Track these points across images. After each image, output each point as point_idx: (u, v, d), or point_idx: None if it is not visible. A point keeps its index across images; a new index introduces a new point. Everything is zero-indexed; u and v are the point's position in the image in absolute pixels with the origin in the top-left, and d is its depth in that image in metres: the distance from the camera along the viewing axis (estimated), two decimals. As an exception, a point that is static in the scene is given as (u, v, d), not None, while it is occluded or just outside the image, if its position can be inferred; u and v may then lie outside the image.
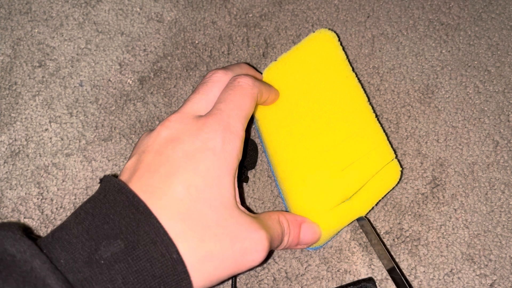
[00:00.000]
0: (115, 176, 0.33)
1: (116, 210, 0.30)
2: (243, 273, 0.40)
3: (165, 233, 0.29)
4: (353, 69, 0.42)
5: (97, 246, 0.29)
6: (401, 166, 0.40)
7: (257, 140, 0.44)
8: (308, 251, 0.41)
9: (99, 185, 0.35)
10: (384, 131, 0.41)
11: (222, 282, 0.33)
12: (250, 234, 0.33)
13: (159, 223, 0.30)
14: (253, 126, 0.45)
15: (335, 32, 0.44)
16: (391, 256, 0.41)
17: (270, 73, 0.43)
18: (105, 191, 0.31)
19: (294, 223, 0.37)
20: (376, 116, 0.41)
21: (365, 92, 0.42)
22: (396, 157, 0.40)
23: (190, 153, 0.32)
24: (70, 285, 0.27)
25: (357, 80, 0.42)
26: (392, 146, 0.41)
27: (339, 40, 0.43)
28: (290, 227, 0.36)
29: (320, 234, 0.38)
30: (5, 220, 0.41)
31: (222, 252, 0.31)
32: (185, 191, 0.31)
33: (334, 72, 0.42)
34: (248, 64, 0.43)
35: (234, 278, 0.39)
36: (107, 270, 0.28)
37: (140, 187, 0.31)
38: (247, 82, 0.36)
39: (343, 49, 0.43)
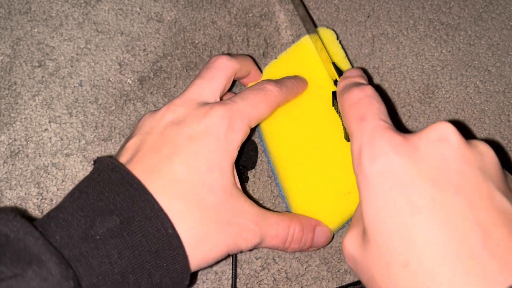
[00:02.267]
0: (110, 156, 0.33)
1: (110, 188, 0.30)
2: (242, 268, 0.40)
3: (160, 209, 0.30)
4: (352, 67, 0.42)
5: (92, 223, 0.29)
6: None
7: (257, 140, 0.44)
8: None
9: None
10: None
11: (217, 262, 0.34)
12: (242, 221, 0.33)
13: (154, 199, 0.30)
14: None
15: (334, 31, 0.44)
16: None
17: (270, 72, 0.43)
18: (99, 171, 0.32)
19: (308, 227, 0.37)
20: None
21: None
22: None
23: (193, 136, 0.33)
24: (65, 260, 0.27)
25: None
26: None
27: (338, 38, 0.43)
28: (304, 231, 0.37)
29: (331, 236, 0.38)
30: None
31: (218, 235, 0.32)
32: (185, 172, 0.32)
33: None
34: (252, 58, 0.44)
35: (234, 278, 0.39)
36: (102, 245, 0.28)
37: (141, 167, 0.32)
38: (272, 90, 0.37)
39: (343, 47, 0.43)
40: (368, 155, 0.28)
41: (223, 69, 0.37)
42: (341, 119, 0.38)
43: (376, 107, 0.31)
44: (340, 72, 0.40)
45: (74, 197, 0.31)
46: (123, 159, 0.33)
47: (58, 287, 0.26)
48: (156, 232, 0.30)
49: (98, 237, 0.29)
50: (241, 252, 0.36)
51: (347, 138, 0.38)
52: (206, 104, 0.35)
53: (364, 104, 0.32)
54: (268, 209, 0.38)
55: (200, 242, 0.31)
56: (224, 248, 0.33)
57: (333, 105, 0.40)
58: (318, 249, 0.40)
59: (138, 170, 0.31)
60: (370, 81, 0.46)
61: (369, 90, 0.33)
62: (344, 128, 0.37)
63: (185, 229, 0.31)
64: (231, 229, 0.33)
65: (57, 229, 0.29)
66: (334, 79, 0.40)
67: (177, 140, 0.33)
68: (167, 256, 0.30)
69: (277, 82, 0.39)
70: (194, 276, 0.40)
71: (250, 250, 0.36)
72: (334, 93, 0.39)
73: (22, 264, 0.26)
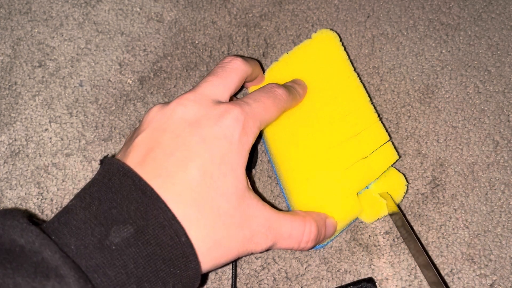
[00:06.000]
0: (113, 155, 0.32)
1: (123, 195, 0.30)
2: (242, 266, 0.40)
3: (173, 217, 0.30)
4: (354, 69, 0.42)
5: (107, 232, 0.29)
6: (404, 174, 0.41)
7: (256, 140, 0.44)
8: (309, 250, 0.41)
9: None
10: (386, 130, 0.41)
11: (227, 264, 0.34)
12: (253, 225, 0.33)
13: (167, 207, 0.30)
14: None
15: (336, 32, 0.44)
16: (427, 252, 0.40)
17: (272, 73, 0.43)
18: (109, 174, 0.31)
19: (321, 223, 0.37)
20: (378, 116, 0.41)
21: (367, 92, 0.42)
22: (400, 157, 0.41)
23: (207, 138, 0.32)
24: (83, 274, 0.27)
25: (359, 80, 0.42)
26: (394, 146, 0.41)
27: (340, 40, 0.43)
28: (319, 227, 0.37)
29: (336, 226, 0.39)
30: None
31: (229, 241, 0.32)
32: (200, 177, 0.31)
33: (336, 72, 0.42)
34: (259, 62, 0.44)
35: (234, 278, 0.39)
36: (118, 256, 0.28)
37: (155, 170, 0.31)
38: (282, 95, 0.37)
39: (345, 49, 0.43)
40: None
41: (237, 71, 0.36)
42: None
43: None
44: None
45: (85, 203, 0.30)
46: (132, 158, 0.32)
47: None
48: (170, 241, 0.29)
49: (114, 247, 0.28)
50: (252, 254, 0.36)
51: None
52: (219, 103, 0.34)
53: None
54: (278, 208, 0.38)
55: (211, 249, 0.31)
56: (234, 252, 0.33)
57: None
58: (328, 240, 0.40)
59: (151, 174, 0.31)
60: (370, 81, 0.46)
61: None
62: None
63: (198, 237, 0.31)
64: (242, 234, 0.33)
65: (72, 238, 0.28)
66: None
67: (191, 142, 0.32)
68: (180, 264, 0.30)
69: (285, 87, 0.39)
70: (205, 277, 0.40)
71: (262, 252, 0.35)
72: None
73: (40, 278, 0.25)
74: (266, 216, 0.34)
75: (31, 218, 0.29)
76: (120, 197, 0.30)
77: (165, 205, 0.30)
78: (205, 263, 0.31)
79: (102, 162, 0.32)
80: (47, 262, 0.26)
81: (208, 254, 0.31)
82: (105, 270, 0.28)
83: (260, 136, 0.43)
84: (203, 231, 0.31)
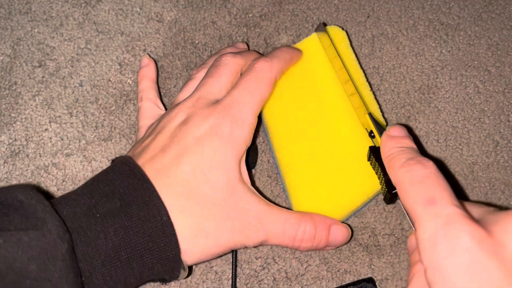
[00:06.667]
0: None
1: (117, 177, 0.33)
2: (243, 266, 0.40)
3: (157, 197, 0.32)
4: (363, 70, 0.42)
5: (96, 203, 0.32)
6: None
7: (257, 141, 0.44)
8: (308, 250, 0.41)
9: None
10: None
11: (217, 257, 0.36)
12: (244, 217, 0.34)
13: (154, 188, 0.32)
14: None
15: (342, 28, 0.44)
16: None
17: None
18: (113, 164, 0.35)
19: (322, 225, 0.37)
20: (382, 114, 0.42)
21: (371, 89, 0.42)
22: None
23: (199, 136, 0.35)
24: (64, 226, 0.30)
25: (364, 76, 0.42)
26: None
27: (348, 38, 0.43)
28: (317, 229, 0.37)
29: (350, 233, 0.38)
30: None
31: (219, 231, 0.34)
32: (191, 171, 0.34)
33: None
34: (258, 52, 0.44)
35: (234, 278, 0.39)
36: (101, 222, 0.31)
37: (153, 164, 0.34)
38: (262, 67, 0.38)
39: (351, 43, 0.43)
40: (447, 249, 0.26)
41: (229, 66, 0.38)
42: (378, 176, 0.36)
43: (445, 189, 0.28)
44: (376, 123, 0.38)
45: (87, 184, 0.34)
46: (135, 154, 0.36)
47: (53, 243, 0.28)
48: (152, 218, 0.32)
49: (98, 215, 0.31)
50: (246, 248, 0.36)
51: (388, 199, 0.35)
52: (212, 104, 0.36)
53: (431, 184, 0.29)
54: (281, 206, 0.38)
55: (198, 237, 0.33)
56: (224, 244, 0.34)
57: (369, 159, 0.38)
58: (337, 247, 0.40)
59: (149, 168, 0.34)
60: (370, 81, 0.46)
61: (433, 167, 0.30)
62: (386, 189, 0.35)
63: (184, 225, 0.32)
64: (232, 226, 0.34)
65: (66, 206, 0.32)
66: (370, 130, 0.38)
67: (185, 141, 0.35)
68: (159, 242, 0.32)
69: (266, 56, 0.39)
70: (191, 268, 0.40)
71: (256, 246, 0.36)
72: (372, 149, 0.37)
73: (28, 224, 0.29)
74: (258, 209, 0.35)
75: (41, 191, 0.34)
76: (115, 178, 0.33)
77: (152, 187, 0.32)
78: (191, 251, 0.33)
79: (113, 160, 0.36)
80: (37, 213, 0.30)
81: (194, 243, 0.33)
82: (86, 232, 0.31)
83: (260, 136, 0.43)
84: (188, 219, 0.33)
